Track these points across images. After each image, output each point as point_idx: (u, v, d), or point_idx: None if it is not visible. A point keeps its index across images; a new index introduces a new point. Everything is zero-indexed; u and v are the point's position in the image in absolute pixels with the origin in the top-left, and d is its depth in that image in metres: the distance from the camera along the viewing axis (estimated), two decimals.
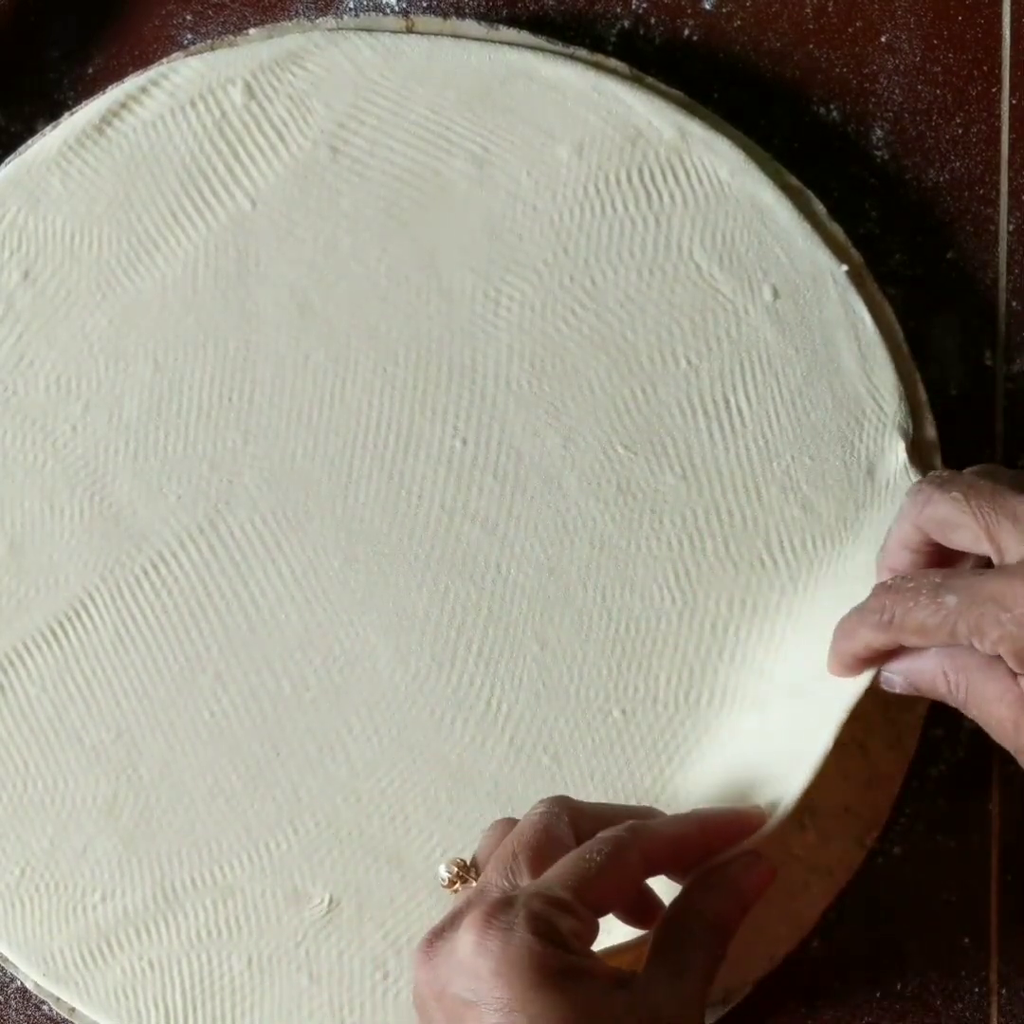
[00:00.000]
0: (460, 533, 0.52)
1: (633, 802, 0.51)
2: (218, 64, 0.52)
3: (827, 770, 0.51)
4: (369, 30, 0.53)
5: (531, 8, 0.56)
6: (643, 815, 0.46)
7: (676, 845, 0.44)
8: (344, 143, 0.52)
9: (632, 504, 0.52)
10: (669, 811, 0.51)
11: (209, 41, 0.53)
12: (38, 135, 0.53)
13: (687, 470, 0.52)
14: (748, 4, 0.56)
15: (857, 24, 0.56)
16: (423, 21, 0.53)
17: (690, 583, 0.52)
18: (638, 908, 0.46)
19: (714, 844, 0.44)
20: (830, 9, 0.56)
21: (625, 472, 0.52)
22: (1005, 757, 0.56)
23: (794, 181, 0.53)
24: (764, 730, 0.51)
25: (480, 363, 0.52)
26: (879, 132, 0.56)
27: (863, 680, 0.49)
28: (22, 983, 0.53)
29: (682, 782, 0.51)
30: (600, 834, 0.43)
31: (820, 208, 0.53)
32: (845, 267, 0.52)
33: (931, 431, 0.53)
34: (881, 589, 0.44)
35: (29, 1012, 0.55)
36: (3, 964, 0.52)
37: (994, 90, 0.56)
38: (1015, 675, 0.41)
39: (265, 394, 0.52)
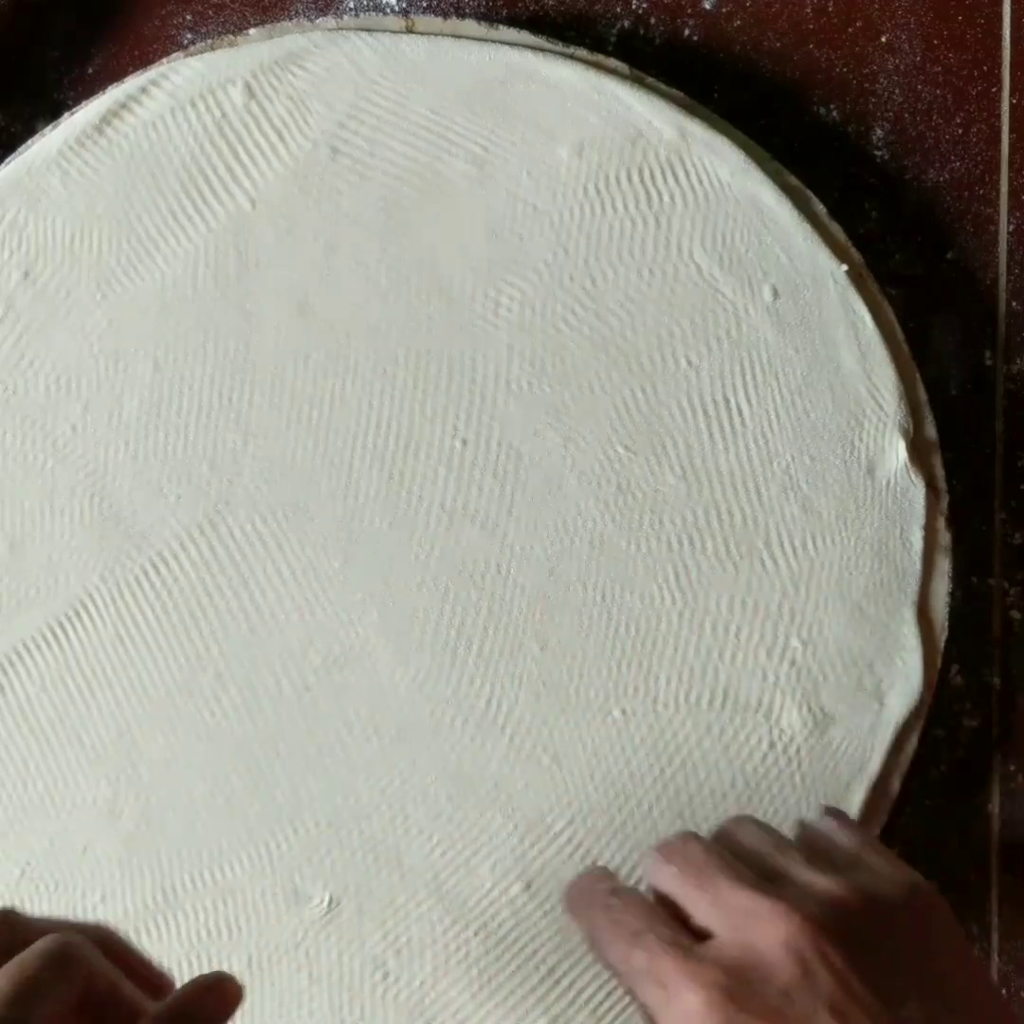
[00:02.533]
0: (460, 533, 0.52)
1: (632, 803, 0.51)
2: (218, 64, 0.52)
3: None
4: (369, 30, 0.53)
5: (531, 8, 0.56)
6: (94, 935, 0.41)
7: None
8: (344, 143, 0.52)
9: (632, 504, 0.52)
10: (669, 816, 0.51)
11: (209, 41, 0.53)
12: (38, 135, 0.53)
13: (687, 470, 0.52)
14: (748, 4, 0.56)
15: (857, 24, 0.56)
16: (423, 21, 0.53)
17: (690, 583, 0.52)
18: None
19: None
20: (830, 9, 0.56)
21: (625, 472, 0.52)
22: (1005, 757, 0.56)
23: (794, 181, 0.53)
24: (786, 754, 0.51)
25: (480, 363, 0.52)
26: (879, 132, 0.56)
27: (900, 709, 0.50)
28: None
29: (688, 801, 0.51)
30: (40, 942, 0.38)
31: (820, 208, 0.53)
32: (845, 267, 0.52)
33: (931, 431, 0.53)
34: (601, 901, 0.42)
35: None
36: None
37: (994, 90, 0.56)
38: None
39: (265, 394, 0.52)
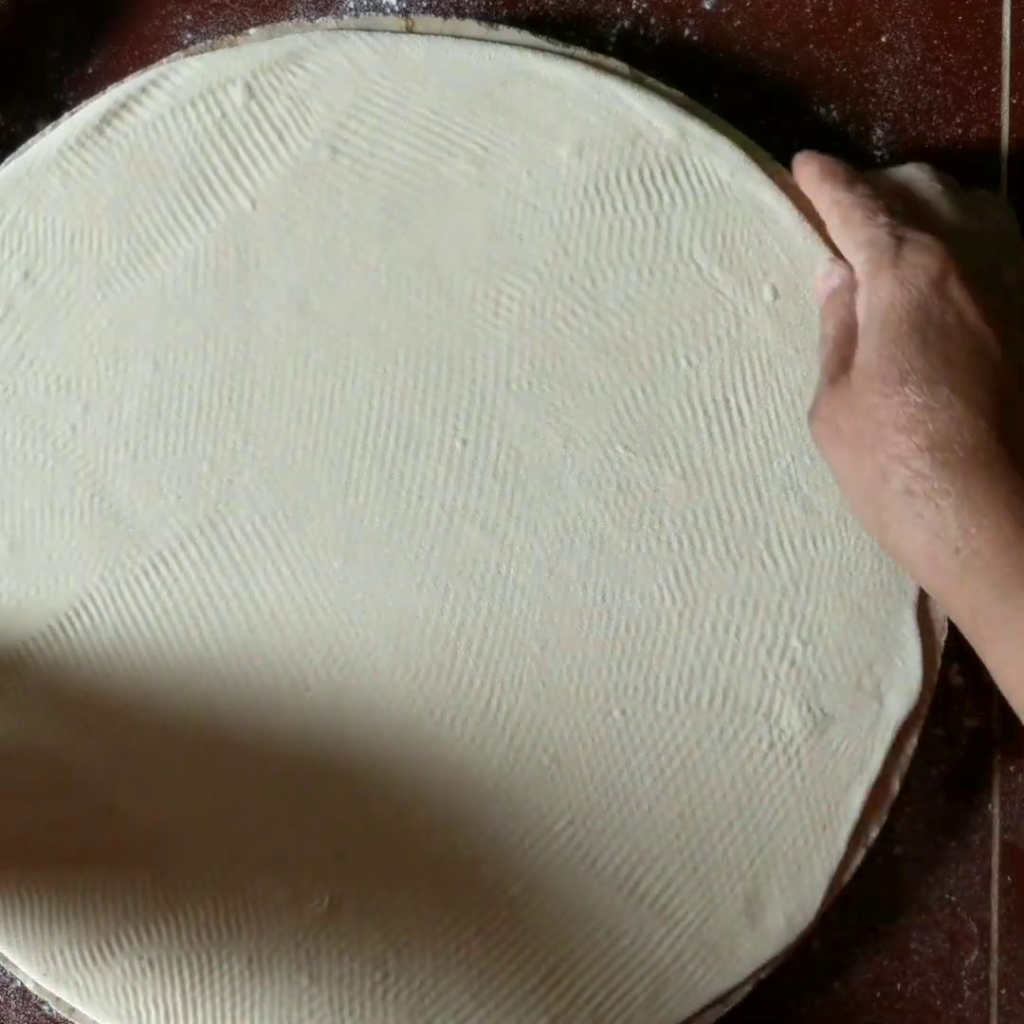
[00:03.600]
0: (460, 533, 0.52)
1: (632, 803, 0.51)
2: (218, 64, 0.52)
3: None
4: (369, 30, 0.53)
5: (531, 8, 0.56)
6: None
7: None
8: (344, 143, 0.52)
9: (632, 504, 0.52)
10: (669, 816, 0.51)
11: (209, 41, 0.53)
12: (38, 135, 0.53)
13: (687, 470, 0.52)
14: (748, 4, 0.56)
15: (857, 24, 0.56)
16: (423, 21, 0.53)
17: (690, 583, 0.52)
18: None
19: None
20: (830, 9, 0.56)
21: (625, 472, 0.52)
22: (1005, 757, 0.56)
23: (794, 181, 0.53)
24: (786, 754, 0.51)
25: (480, 363, 0.52)
26: (879, 132, 0.56)
27: (900, 709, 0.50)
28: (22, 983, 0.53)
29: (688, 801, 0.51)
30: None
31: None
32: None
33: None
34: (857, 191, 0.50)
35: (29, 1012, 0.55)
36: (3, 964, 0.52)
37: (994, 90, 0.56)
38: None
39: (265, 394, 0.52)
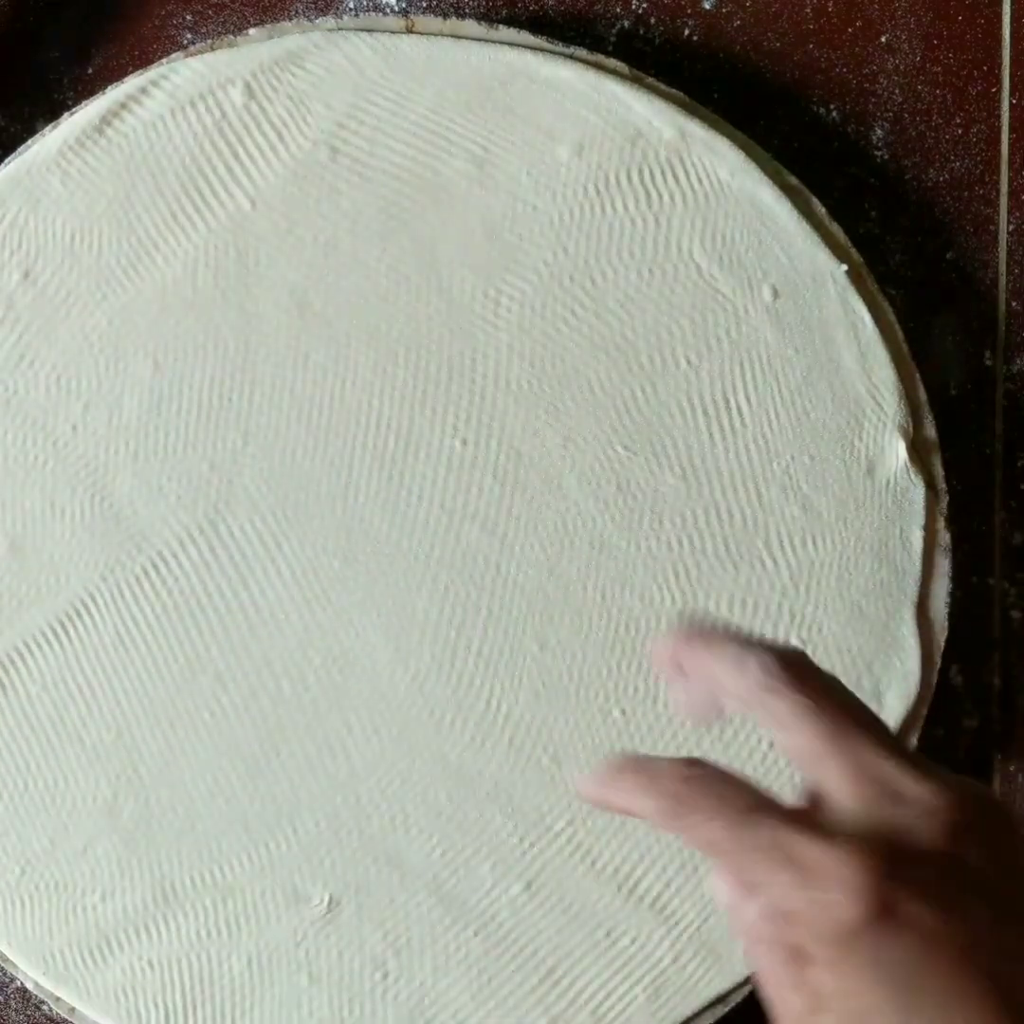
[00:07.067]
0: (460, 533, 0.52)
1: None
2: (218, 64, 0.52)
3: None
4: (369, 30, 0.53)
5: (531, 8, 0.56)
6: None
7: None
8: (344, 143, 0.52)
9: (632, 504, 0.52)
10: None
11: (209, 41, 0.53)
12: (38, 135, 0.53)
13: (687, 470, 0.52)
14: (748, 4, 0.56)
15: (857, 24, 0.56)
16: (423, 21, 0.53)
17: (690, 583, 0.52)
18: None
19: None
20: (830, 9, 0.56)
21: (625, 472, 0.52)
22: (1005, 757, 0.56)
23: (794, 181, 0.53)
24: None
25: (480, 363, 0.52)
26: (879, 132, 0.56)
27: (899, 709, 0.50)
28: (22, 983, 0.53)
29: None
30: None
31: (820, 208, 0.53)
32: (845, 267, 0.52)
33: (931, 431, 0.53)
34: (679, 772, 0.34)
35: (29, 1012, 0.55)
36: (3, 964, 0.52)
37: (994, 90, 0.56)
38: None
39: (265, 394, 0.52)
